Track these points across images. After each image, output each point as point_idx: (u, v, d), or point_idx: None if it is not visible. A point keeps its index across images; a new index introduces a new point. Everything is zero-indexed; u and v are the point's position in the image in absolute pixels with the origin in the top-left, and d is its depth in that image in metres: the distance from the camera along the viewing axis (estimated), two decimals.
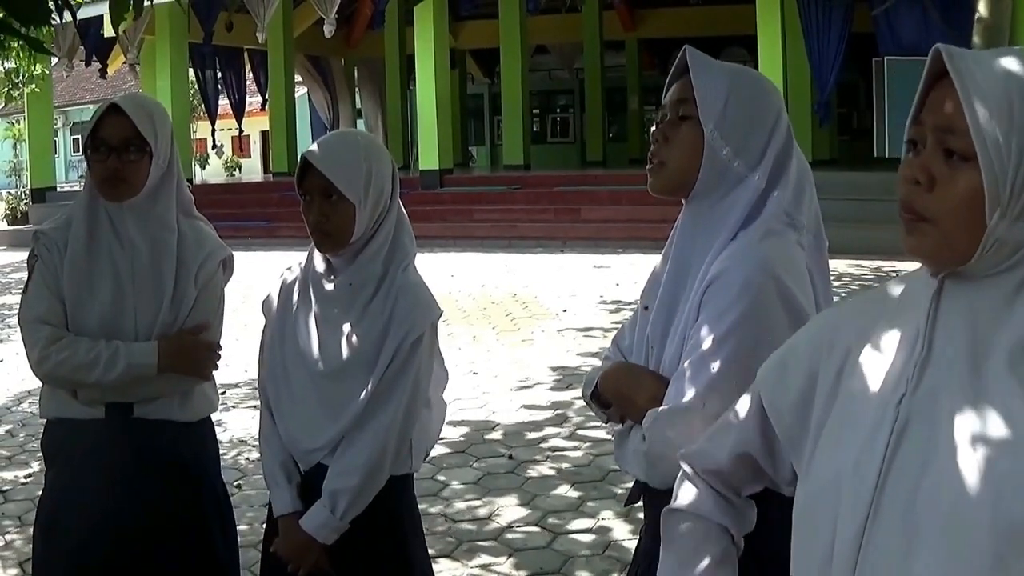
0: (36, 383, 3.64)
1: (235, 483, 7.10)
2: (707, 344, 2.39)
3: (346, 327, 3.30)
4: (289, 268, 3.53)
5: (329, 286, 3.34)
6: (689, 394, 2.38)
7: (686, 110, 2.55)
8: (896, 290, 1.79)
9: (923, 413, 1.60)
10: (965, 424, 1.54)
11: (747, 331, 2.36)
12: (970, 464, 1.51)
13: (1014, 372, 1.53)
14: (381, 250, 3.32)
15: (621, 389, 2.65)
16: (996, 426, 1.51)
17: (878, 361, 1.72)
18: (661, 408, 2.45)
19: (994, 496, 1.48)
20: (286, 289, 3.48)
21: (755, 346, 2.28)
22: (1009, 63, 1.59)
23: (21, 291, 3.61)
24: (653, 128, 2.67)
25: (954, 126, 1.59)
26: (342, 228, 3.24)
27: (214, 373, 3.70)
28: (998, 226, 1.56)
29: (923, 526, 1.54)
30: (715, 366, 2.36)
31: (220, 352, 3.67)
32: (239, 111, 33.71)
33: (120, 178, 3.48)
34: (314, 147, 3.30)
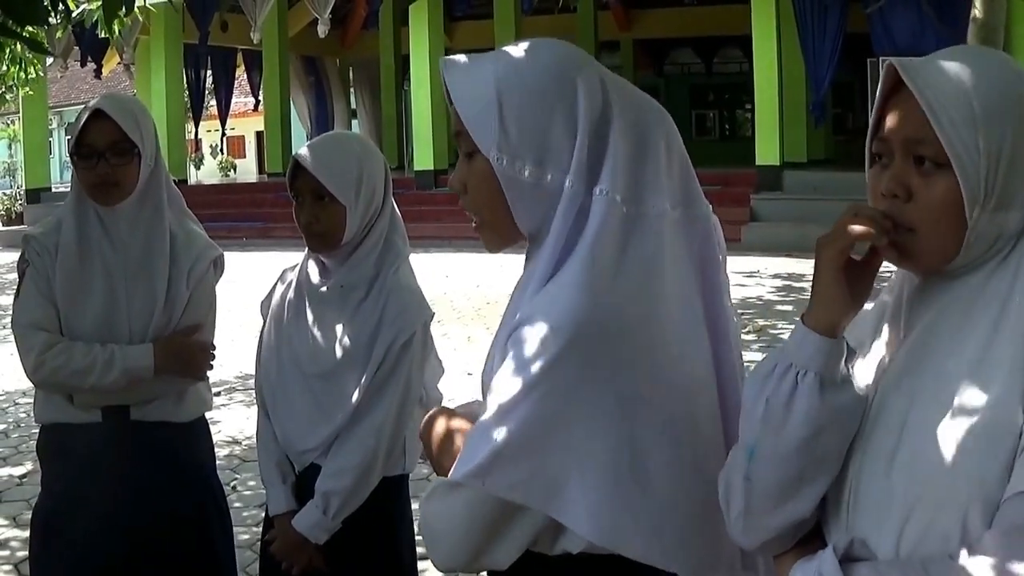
0: (30, 383, 3.63)
1: (230, 483, 7.07)
2: (497, 405, 1.89)
3: (338, 328, 3.32)
4: (287, 270, 3.56)
5: (322, 288, 3.36)
6: (467, 465, 1.89)
7: (465, 142, 2.01)
8: (885, 295, 1.87)
9: (900, 386, 1.70)
10: (940, 400, 1.62)
11: (548, 392, 1.85)
12: (942, 438, 1.60)
13: (988, 349, 1.61)
14: (373, 251, 3.35)
15: (428, 438, 2.18)
16: (969, 401, 1.60)
17: (871, 350, 1.82)
18: (440, 475, 2.06)
19: (957, 462, 1.58)
20: (282, 291, 3.50)
21: (560, 408, 1.86)
22: (959, 66, 1.66)
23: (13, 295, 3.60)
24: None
25: (922, 136, 1.65)
26: (333, 229, 3.27)
27: (208, 373, 3.71)
28: (979, 221, 1.63)
29: (897, 489, 1.65)
30: (502, 433, 1.86)
31: (214, 352, 3.67)
32: (224, 113, 33.67)
33: (112, 183, 3.47)
34: (305, 149, 3.34)
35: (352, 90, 38.19)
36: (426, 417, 2.21)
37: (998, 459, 1.55)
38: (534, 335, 1.86)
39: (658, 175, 1.97)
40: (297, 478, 3.41)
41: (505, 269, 19.30)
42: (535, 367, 1.84)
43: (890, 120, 1.71)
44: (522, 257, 2.13)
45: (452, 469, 1.94)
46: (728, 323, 2.09)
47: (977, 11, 10.10)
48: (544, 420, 1.85)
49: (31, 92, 24.13)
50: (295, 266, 3.51)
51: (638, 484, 1.89)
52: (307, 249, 3.40)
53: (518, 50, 2.02)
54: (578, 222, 1.92)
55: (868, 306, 1.85)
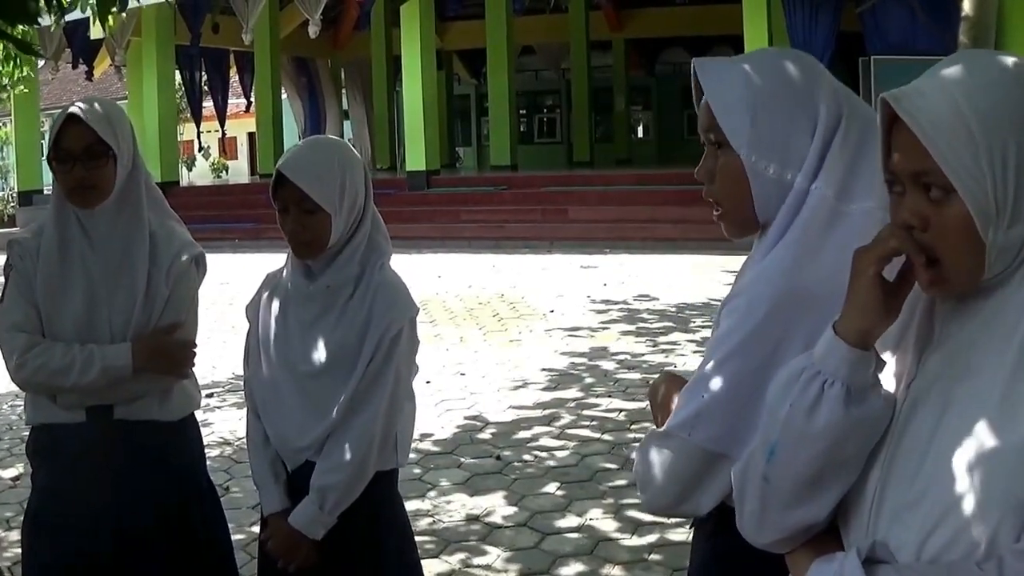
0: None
1: (223, 484, 7.09)
2: (707, 366, 2.16)
3: (327, 328, 3.37)
4: (271, 274, 3.59)
5: (308, 289, 3.40)
6: (677, 418, 2.16)
7: (717, 136, 2.22)
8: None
9: (931, 394, 1.69)
10: (973, 410, 1.61)
11: (749, 355, 2.09)
12: (970, 446, 1.59)
13: (1016, 358, 1.60)
14: (357, 252, 3.40)
15: (653, 400, 2.42)
16: (1003, 414, 1.58)
17: (898, 350, 1.82)
18: (657, 428, 2.26)
19: (992, 474, 1.56)
20: (268, 294, 3.54)
21: (760, 368, 2.05)
22: (954, 82, 1.64)
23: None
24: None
25: (924, 167, 1.64)
26: (319, 237, 3.32)
27: (195, 371, 3.72)
28: (996, 239, 1.61)
29: (926, 495, 1.64)
30: (709, 391, 2.13)
31: (195, 350, 3.69)
32: (222, 113, 33.66)
33: (88, 186, 3.49)
34: (288, 159, 3.37)
35: (344, 91, 38.23)
36: (654, 381, 2.47)
37: None
38: (741, 307, 2.13)
39: (872, 178, 2.09)
40: (290, 477, 3.44)
41: (497, 269, 19.39)
42: (739, 334, 2.10)
43: (895, 153, 1.71)
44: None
45: (666, 421, 2.19)
46: None
47: (968, 9, 10.10)
48: (745, 380, 2.06)
49: (25, 90, 24.16)
50: (279, 270, 3.56)
51: None
52: (289, 253, 3.46)
53: (766, 58, 2.27)
54: (796, 212, 2.16)
55: None
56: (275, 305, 3.48)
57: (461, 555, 5.97)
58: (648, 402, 2.51)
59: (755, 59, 2.26)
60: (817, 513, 1.81)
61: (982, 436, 1.58)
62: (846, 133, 2.17)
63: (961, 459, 1.59)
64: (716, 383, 2.11)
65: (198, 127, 32.82)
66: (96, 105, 3.60)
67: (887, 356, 1.81)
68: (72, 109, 3.50)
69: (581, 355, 11.48)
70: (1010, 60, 1.67)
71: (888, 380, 1.79)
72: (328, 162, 3.35)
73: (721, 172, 2.23)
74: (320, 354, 3.36)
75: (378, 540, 3.49)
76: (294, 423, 3.39)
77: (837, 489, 1.78)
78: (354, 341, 3.34)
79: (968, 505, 1.58)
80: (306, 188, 3.27)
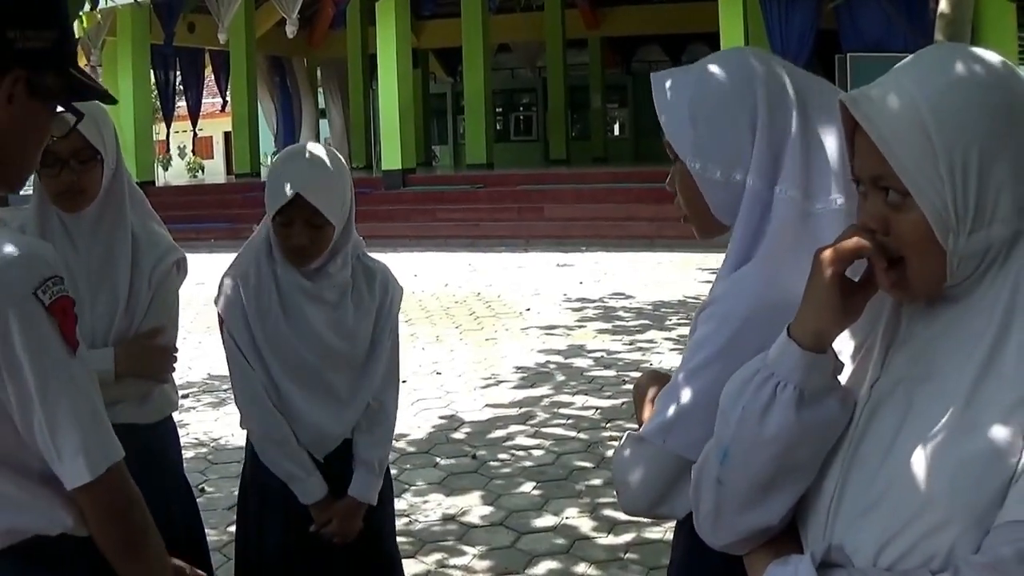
0: None
1: (198, 486, 7.05)
2: (682, 374, 2.16)
3: (343, 320, 3.62)
4: (234, 274, 3.63)
5: (312, 288, 3.58)
6: (652, 424, 2.17)
7: (671, 149, 2.24)
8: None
9: (894, 396, 1.66)
10: (936, 416, 1.58)
11: (724, 365, 2.03)
12: (931, 452, 1.56)
13: (989, 369, 1.56)
14: (350, 251, 3.63)
15: (637, 398, 2.42)
16: (966, 421, 1.55)
17: (863, 349, 1.79)
18: (634, 432, 2.27)
19: (953, 483, 1.53)
20: (252, 296, 3.58)
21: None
22: (912, 87, 1.60)
23: None
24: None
25: (882, 171, 1.61)
26: (322, 248, 3.50)
27: (173, 374, 3.71)
28: (956, 247, 1.58)
29: (884, 499, 1.62)
30: (683, 398, 2.13)
31: (176, 355, 3.69)
32: (195, 113, 33.52)
33: (77, 190, 3.45)
34: (300, 178, 3.44)
35: (320, 90, 38.15)
36: (638, 379, 2.47)
37: (992, 484, 1.51)
38: (717, 316, 2.12)
39: (829, 170, 2.14)
40: (325, 461, 3.66)
41: (473, 268, 19.38)
42: (715, 344, 2.09)
43: (856, 154, 1.69)
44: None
45: (643, 425, 2.21)
46: None
47: (944, 6, 10.11)
48: (719, 389, 1.97)
49: None
50: (242, 271, 3.61)
51: None
52: (255, 257, 3.61)
53: (708, 61, 2.27)
54: (763, 217, 2.15)
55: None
56: (272, 308, 3.57)
57: (437, 555, 5.98)
58: (632, 400, 2.54)
59: (699, 65, 2.28)
60: (770, 517, 1.79)
61: (944, 443, 1.56)
62: (802, 129, 2.16)
63: (921, 465, 1.57)
64: (691, 391, 2.11)
65: (168, 127, 32.67)
66: (84, 107, 3.58)
67: (852, 355, 1.80)
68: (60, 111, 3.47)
69: (557, 353, 11.51)
70: (973, 59, 1.63)
71: (852, 379, 1.76)
72: (337, 179, 3.51)
73: (679, 182, 2.26)
74: (342, 345, 3.62)
75: (382, 497, 3.78)
76: (329, 412, 3.64)
77: (791, 493, 1.76)
78: (369, 328, 3.67)
79: (927, 513, 1.55)
80: (321, 207, 3.40)
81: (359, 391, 3.67)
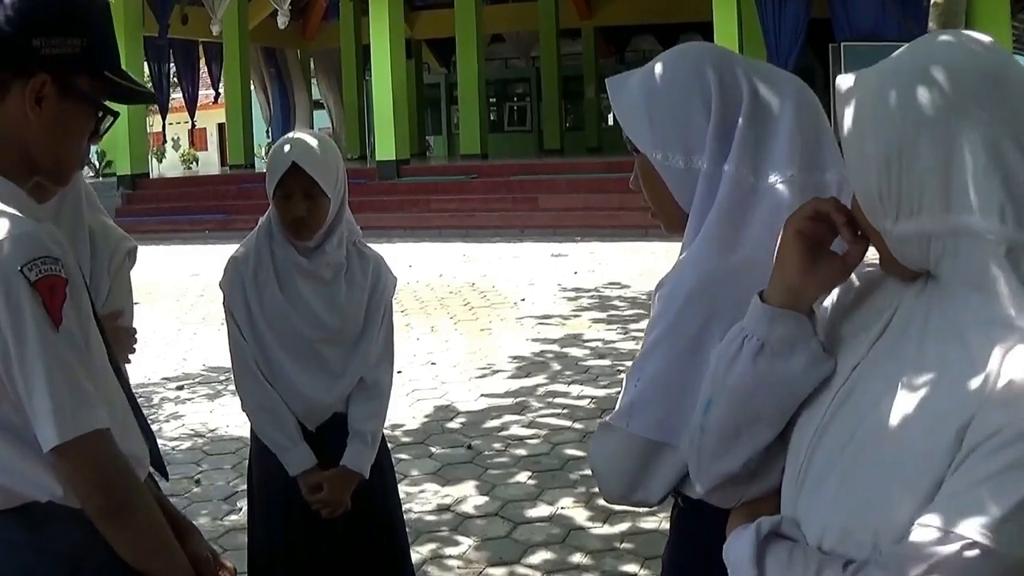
0: None
1: (193, 477, 7.09)
2: (639, 355, 2.19)
3: (336, 297, 3.79)
4: (238, 258, 3.83)
5: (308, 265, 3.77)
6: (617, 408, 2.19)
7: (631, 145, 2.28)
8: (875, 275, 1.85)
9: (873, 378, 1.68)
10: (889, 403, 1.61)
11: (674, 340, 2.11)
12: (890, 436, 1.59)
13: (938, 360, 1.58)
14: (344, 232, 3.81)
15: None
16: (928, 395, 1.57)
17: (852, 334, 1.81)
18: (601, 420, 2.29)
19: (895, 465, 1.57)
20: (252, 274, 3.78)
21: (686, 352, 2.09)
22: (870, 76, 1.66)
23: None
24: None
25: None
26: (319, 219, 3.70)
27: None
28: (889, 230, 1.63)
29: (842, 475, 1.65)
30: (641, 379, 2.15)
31: (136, 336, 3.83)
32: (192, 104, 33.47)
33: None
34: (299, 152, 3.67)
35: (313, 81, 38.11)
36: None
37: (924, 481, 1.52)
38: (664, 296, 2.16)
39: (783, 147, 2.17)
40: (314, 434, 3.79)
41: (467, 258, 19.38)
42: (664, 321, 2.12)
43: None
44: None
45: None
46: None
47: None
48: (672, 365, 2.09)
49: None
50: (245, 254, 3.81)
51: None
52: (258, 236, 3.82)
53: (658, 59, 2.30)
54: (711, 195, 2.17)
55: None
56: (269, 283, 3.77)
57: (432, 545, 5.99)
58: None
59: (650, 64, 2.30)
60: (733, 465, 1.86)
61: (899, 428, 1.58)
62: (752, 111, 2.19)
63: (878, 449, 1.60)
64: (647, 371, 2.14)
65: (164, 119, 32.64)
66: None
67: (854, 333, 1.80)
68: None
69: (552, 343, 11.52)
70: (944, 47, 1.62)
71: (843, 358, 1.78)
72: (331, 154, 3.74)
73: (642, 177, 2.30)
74: (334, 320, 3.78)
75: (380, 463, 3.91)
76: (320, 383, 3.79)
77: (751, 444, 1.83)
78: (363, 305, 3.83)
79: (875, 496, 1.58)
80: (317, 177, 3.61)
81: (351, 365, 3.82)
